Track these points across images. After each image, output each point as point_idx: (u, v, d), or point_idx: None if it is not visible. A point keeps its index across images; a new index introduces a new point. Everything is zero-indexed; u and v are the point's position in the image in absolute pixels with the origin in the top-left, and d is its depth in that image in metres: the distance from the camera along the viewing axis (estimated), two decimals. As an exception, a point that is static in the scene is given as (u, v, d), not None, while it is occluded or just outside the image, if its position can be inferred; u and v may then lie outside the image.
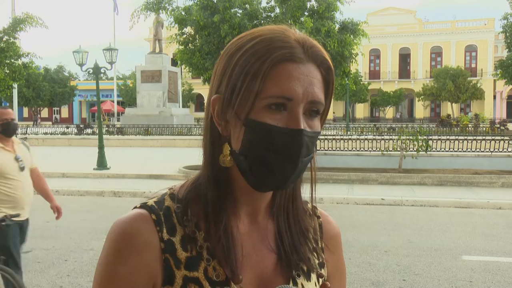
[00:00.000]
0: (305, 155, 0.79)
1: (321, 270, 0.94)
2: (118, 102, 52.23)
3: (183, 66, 21.42)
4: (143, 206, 0.86)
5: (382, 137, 14.79)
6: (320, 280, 0.93)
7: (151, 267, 0.82)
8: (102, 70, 15.16)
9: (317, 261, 0.93)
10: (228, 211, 0.85)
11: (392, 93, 51.13)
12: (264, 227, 0.90)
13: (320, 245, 0.96)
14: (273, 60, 0.77)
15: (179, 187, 0.90)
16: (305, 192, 0.93)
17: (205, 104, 0.88)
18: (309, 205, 0.98)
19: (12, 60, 18.37)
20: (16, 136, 4.18)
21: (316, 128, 0.81)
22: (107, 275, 0.83)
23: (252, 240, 0.88)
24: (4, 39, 17.94)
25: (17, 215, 3.91)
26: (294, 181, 0.82)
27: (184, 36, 19.73)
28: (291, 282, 0.88)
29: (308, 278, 0.90)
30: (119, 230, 0.83)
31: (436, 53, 54.76)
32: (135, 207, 0.87)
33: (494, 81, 47.27)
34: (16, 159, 3.95)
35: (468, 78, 45.93)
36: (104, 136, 17.36)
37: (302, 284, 0.89)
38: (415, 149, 12.33)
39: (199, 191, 0.87)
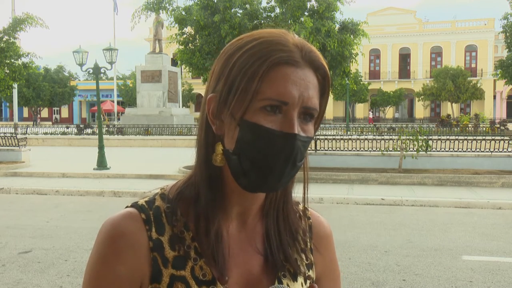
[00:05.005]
0: (298, 159, 0.80)
1: (309, 272, 0.94)
2: (118, 102, 52.25)
3: (183, 66, 21.42)
4: (134, 205, 0.88)
5: (382, 137, 14.77)
6: (308, 282, 0.93)
7: (139, 265, 0.83)
8: (102, 70, 15.14)
9: (305, 262, 0.94)
10: (219, 212, 0.86)
11: (392, 93, 51.14)
12: (253, 229, 0.91)
13: (309, 246, 0.96)
14: (271, 62, 0.77)
15: (170, 187, 0.92)
16: (298, 192, 0.94)
17: (202, 104, 0.88)
18: (300, 206, 0.99)
19: (12, 60, 18.34)
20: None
21: (310, 133, 0.81)
22: (96, 273, 0.84)
23: (240, 241, 0.89)
24: (4, 39, 17.92)
25: None
26: (284, 185, 0.83)
27: (184, 36, 19.72)
28: (276, 282, 0.88)
29: (295, 279, 0.91)
30: (109, 228, 0.85)
31: (436, 53, 54.77)
32: (126, 206, 0.88)
33: (494, 81, 47.29)
34: None
35: (468, 78, 45.93)
36: (104, 136, 17.37)
37: (287, 284, 0.89)
38: (415, 149, 12.33)
39: (190, 191, 0.88)
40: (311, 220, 0.99)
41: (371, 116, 47.20)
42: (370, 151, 13.73)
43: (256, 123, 0.78)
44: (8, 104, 53.01)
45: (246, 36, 0.83)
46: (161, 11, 19.78)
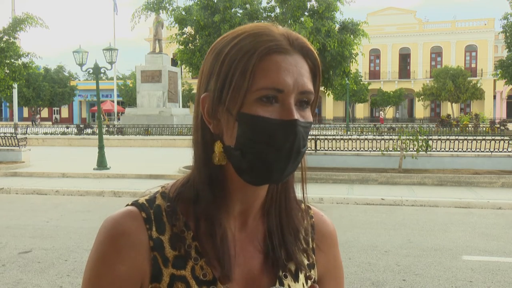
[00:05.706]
0: (302, 146, 0.79)
1: (310, 272, 0.93)
2: (118, 102, 52.25)
3: (183, 66, 21.42)
4: (134, 204, 0.87)
5: (382, 137, 14.77)
6: (309, 282, 0.92)
7: (139, 264, 0.83)
8: (102, 70, 15.15)
9: (306, 262, 0.93)
10: (221, 211, 0.85)
11: (392, 93, 51.14)
12: (254, 228, 0.90)
13: (311, 246, 0.95)
14: (261, 52, 0.77)
15: (171, 186, 0.91)
16: (296, 192, 0.93)
17: (195, 104, 0.88)
18: (303, 205, 0.97)
19: (12, 60, 18.35)
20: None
21: (309, 118, 0.81)
22: (95, 272, 0.83)
23: (241, 240, 0.89)
24: (4, 39, 17.93)
25: None
26: (290, 173, 0.82)
27: (184, 36, 19.73)
28: (277, 282, 0.88)
29: (296, 279, 0.90)
30: (109, 227, 0.84)
31: (436, 53, 54.77)
32: (127, 205, 0.88)
33: (494, 81, 47.30)
34: None
35: (468, 78, 45.91)
36: (104, 136, 17.37)
37: (289, 285, 0.89)
38: (415, 149, 12.33)
39: (190, 190, 0.87)
40: (313, 219, 0.98)
41: (382, 116, 47.20)
42: (370, 151, 13.73)
43: (254, 114, 0.77)
44: (8, 104, 53.02)
45: (231, 33, 0.83)
46: (161, 11, 19.79)
